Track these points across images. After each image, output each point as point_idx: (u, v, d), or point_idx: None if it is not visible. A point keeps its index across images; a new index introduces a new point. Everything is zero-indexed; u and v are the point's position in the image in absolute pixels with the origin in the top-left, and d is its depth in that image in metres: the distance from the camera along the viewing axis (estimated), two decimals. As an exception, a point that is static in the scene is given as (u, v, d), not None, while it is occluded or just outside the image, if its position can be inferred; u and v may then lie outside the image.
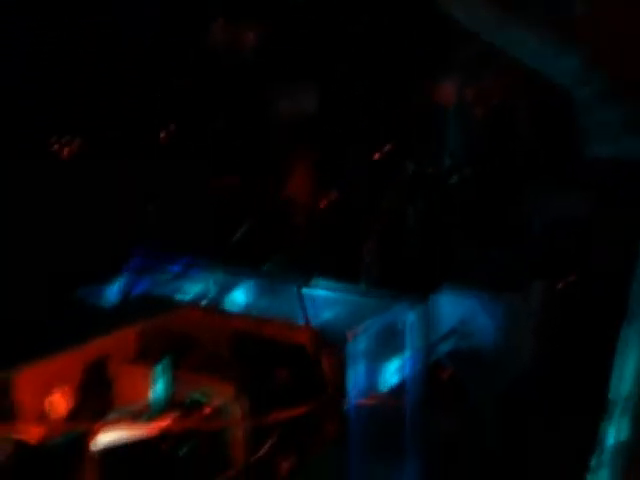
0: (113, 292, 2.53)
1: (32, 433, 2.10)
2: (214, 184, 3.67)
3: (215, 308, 2.30)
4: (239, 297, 2.61)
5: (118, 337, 2.28)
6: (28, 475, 1.57)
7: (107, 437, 1.92)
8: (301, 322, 2.04)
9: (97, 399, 2.21)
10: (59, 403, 2.11)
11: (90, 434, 1.93)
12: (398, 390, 2.23)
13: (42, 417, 2.11)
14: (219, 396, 1.98)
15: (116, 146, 3.58)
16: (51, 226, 3.15)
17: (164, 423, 1.98)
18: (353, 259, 3.45)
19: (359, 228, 3.59)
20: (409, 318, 2.26)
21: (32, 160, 3.40)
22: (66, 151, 3.64)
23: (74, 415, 2.13)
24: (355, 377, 2.04)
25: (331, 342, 2.02)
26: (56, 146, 3.61)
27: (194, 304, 2.32)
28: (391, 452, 2.23)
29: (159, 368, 2.16)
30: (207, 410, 2.00)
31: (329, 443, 1.97)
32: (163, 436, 1.93)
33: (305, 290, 2.40)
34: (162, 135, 3.78)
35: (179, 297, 2.45)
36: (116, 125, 3.61)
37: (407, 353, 2.25)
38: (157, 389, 2.14)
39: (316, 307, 2.41)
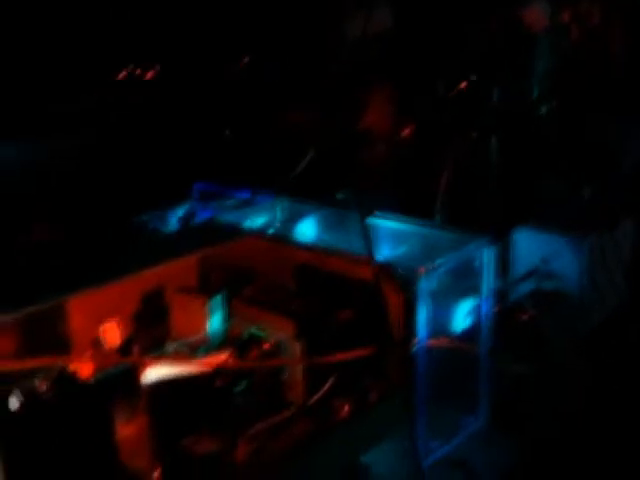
0: (175, 218, 2.43)
1: (83, 363, 2.02)
2: (287, 117, 3.56)
3: (280, 239, 2.16)
4: (305, 229, 2.48)
5: (177, 265, 2.17)
6: (72, 407, 1.45)
7: (160, 371, 1.82)
8: (368, 257, 1.88)
9: (152, 330, 2.12)
10: (112, 333, 2.02)
11: (142, 367, 1.83)
12: (471, 333, 2.07)
13: (94, 347, 2.03)
14: (278, 332, 1.85)
15: (190, 74, 3.51)
16: (116, 148, 3.08)
17: (219, 358, 1.87)
18: (428, 195, 3.31)
19: (436, 163, 3.44)
20: (486, 256, 2.09)
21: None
22: (141, 76, 3.56)
23: (127, 346, 2.04)
24: (425, 317, 1.88)
25: (400, 279, 1.87)
26: (132, 71, 3.54)
27: (258, 234, 2.18)
28: (460, 398, 2.08)
29: (217, 300, 2.05)
30: (265, 346, 1.89)
31: (394, 387, 1.83)
32: (218, 372, 1.82)
33: (374, 222, 2.26)
34: (236, 67, 3.67)
35: (243, 226, 2.32)
36: (192, 54, 3.52)
37: (482, 294, 2.08)
38: (214, 322, 2.03)
39: (385, 241, 2.27)
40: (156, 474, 1.55)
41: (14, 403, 1.52)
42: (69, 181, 3.08)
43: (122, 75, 3.49)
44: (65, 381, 1.55)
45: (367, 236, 1.55)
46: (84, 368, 2.02)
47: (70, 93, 3.19)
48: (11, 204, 2.91)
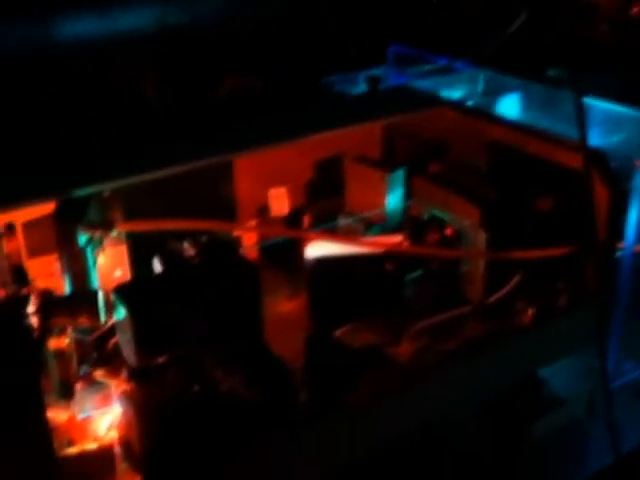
0: (364, 81, 2.20)
1: (247, 230, 1.88)
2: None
3: (477, 112, 1.89)
4: (508, 104, 2.20)
5: (359, 132, 1.96)
6: (216, 275, 1.30)
7: (327, 246, 1.64)
8: (580, 141, 1.59)
9: (324, 202, 1.95)
10: (281, 201, 1.86)
11: (309, 239, 1.66)
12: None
13: (260, 215, 1.88)
14: (463, 218, 1.62)
15: None
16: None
17: (393, 240, 1.67)
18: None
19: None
20: None
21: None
22: None
23: (296, 217, 1.88)
24: (636, 218, 1.58)
25: (613, 170, 1.57)
26: None
27: (453, 104, 1.92)
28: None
29: (399, 174, 1.83)
30: (447, 231, 1.66)
31: (589, 294, 1.56)
32: (390, 255, 1.62)
33: (588, 104, 1.94)
34: None
35: (438, 95, 2.06)
36: None
37: None
38: (393, 198, 1.82)
39: (599, 126, 1.96)
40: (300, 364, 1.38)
41: (157, 265, 1.39)
42: (265, 33, 2.90)
43: None
44: (215, 248, 1.39)
45: (581, 118, 1.27)
46: (248, 236, 1.89)
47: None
48: (206, 57, 2.78)
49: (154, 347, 1.26)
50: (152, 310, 1.24)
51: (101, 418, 1.38)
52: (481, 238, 1.58)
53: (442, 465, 1.57)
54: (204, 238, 1.42)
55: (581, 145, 1.58)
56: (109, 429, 1.35)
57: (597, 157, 1.57)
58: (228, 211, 1.88)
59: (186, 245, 1.41)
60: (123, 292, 1.26)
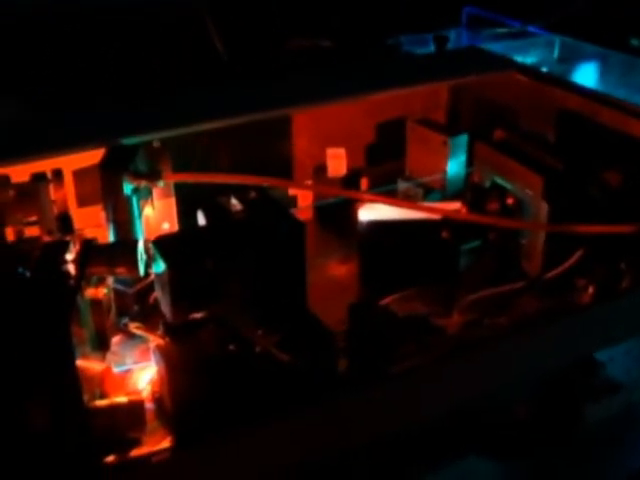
0: (437, 42, 2.12)
1: (302, 187, 1.83)
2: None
3: (548, 78, 1.80)
4: (584, 72, 2.09)
5: (424, 93, 1.89)
6: (262, 231, 1.25)
7: (383, 210, 1.58)
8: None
9: (384, 164, 1.88)
10: (339, 161, 1.80)
11: (364, 201, 1.60)
12: None
13: (317, 174, 1.83)
14: (526, 188, 1.54)
15: None
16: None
17: (451, 206, 1.60)
18: None
19: None
20: None
21: None
22: None
23: (354, 178, 1.82)
24: None
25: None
26: None
27: (523, 68, 1.82)
28: None
29: (462, 139, 1.76)
30: (508, 201, 1.58)
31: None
32: (447, 222, 1.55)
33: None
34: None
35: (511, 59, 1.97)
36: None
37: None
38: (454, 164, 1.75)
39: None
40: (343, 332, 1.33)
41: (201, 218, 1.35)
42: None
43: None
44: (263, 205, 1.34)
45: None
46: (303, 195, 1.84)
47: None
48: (274, 16, 2.73)
49: (190, 303, 1.22)
50: (190, 264, 1.20)
51: (139, 373, 1.35)
52: (543, 210, 1.50)
53: (490, 442, 1.51)
54: (253, 194, 1.37)
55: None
56: (147, 385, 1.32)
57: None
58: (284, 169, 1.83)
59: (233, 200, 1.36)
60: (162, 244, 1.23)
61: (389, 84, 1.72)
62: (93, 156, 1.49)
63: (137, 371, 1.36)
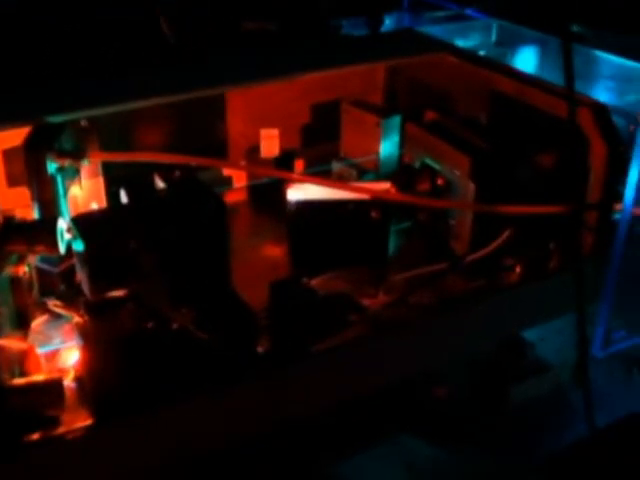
0: (372, 24, 2.12)
1: (233, 166, 1.82)
2: None
3: (480, 60, 1.80)
4: (520, 57, 2.11)
5: (358, 74, 1.89)
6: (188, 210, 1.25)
7: (313, 190, 1.58)
8: (584, 96, 1.51)
9: (318, 145, 1.88)
10: (272, 142, 1.80)
11: (295, 182, 1.60)
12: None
13: (250, 155, 1.82)
14: (454, 168, 1.54)
15: None
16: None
17: (381, 186, 1.60)
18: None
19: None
20: None
21: None
22: None
23: (287, 159, 1.82)
24: (637, 178, 1.49)
25: (614, 126, 1.49)
26: None
27: (455, 50, 1.83)
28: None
29: (396, 120, 1.76)
30: (438, 181, 1.59)
31: (581, 257, 1.48)
32: (377, 202, 1.55)
33: (606, 58, 1.85)
34: None
35: (446, 41, 1.97)
36: None
37: None
38: (387, 145, 1.76)
39: (615, 82, 1.87)
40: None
41: (123, 196, 1.34)
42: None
43: None
44: (187, 184, 1.34)
45: (569, 65, 1.19)
46: (238, 176, 1.84)
47: None
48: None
49: (109, 281, 1.21)
50: (108, 242, 1.19)
51: (66, 353, 1.34)
52: (470, 190, 1.50)
53: (418, 421, 1.52)
54: (177, 173, 1.37)
55: (585, 99, 1.51)
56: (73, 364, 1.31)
57: (598, 111, 1.49)
58: (219, 149, 1.82)
59: (156, 178, 1.35)
60: (80, 222, 1.22)
61: (323, 64, 1.71)
62: (24, 135, 1.47)
63: (64, 351, 1.35)
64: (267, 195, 1.78)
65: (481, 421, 1.55)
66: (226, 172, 1.82)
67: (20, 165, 1.59)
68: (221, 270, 1.30)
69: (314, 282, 1.44)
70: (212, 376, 1.20)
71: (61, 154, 1.40)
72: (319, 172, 1.80)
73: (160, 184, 1.35)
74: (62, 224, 1.29)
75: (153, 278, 1.23)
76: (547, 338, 1.70)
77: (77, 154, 1.42)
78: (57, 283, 1.43)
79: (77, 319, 1.24)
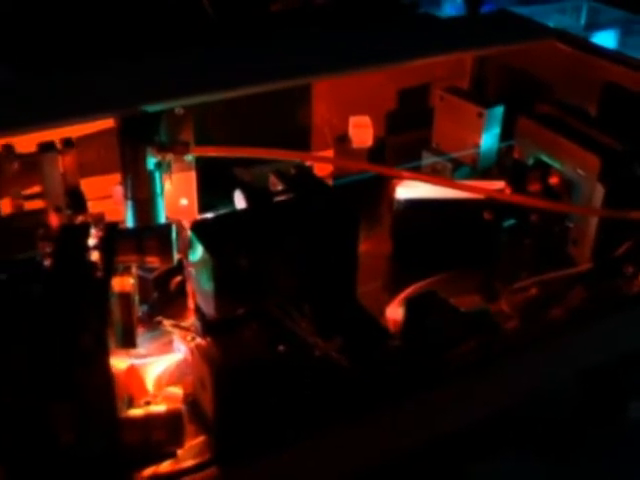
0: (457, 4, 1.97)
1: (327, 161, 1.69)
2: None
3: (592, 48, 1.67)
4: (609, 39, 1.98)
5: (451, 61, 1.75)
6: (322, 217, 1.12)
7: (415, 189, 1.45)
8: None
9: (409, 134, 1.75)
10: (363, 131, 1.66)
11: (398, 179, 1.47)
12: None
13: (339, 144, 1.69)
14: (576, 167, 1.41)
15: None
16: None
17: (494, 185, 1.47)
18: None
19: None
20: None
21: None
22: None
23: (379, 150, 1.68)
24: None
25: None
26: None
27: (564, 36, 1.69)
28: None
29: (499, 111, 1.62)
30: (553, 180, 1.46)
31: None
32: (489, 202, 1.43)
33: None
34: None
35: (540, 23, 1.83)
36: None
37: None
38: (489, 137, 1.62)
39: None
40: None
41: (239, 200, 1.21)
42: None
43: None
44: (305, 181, 1.21)
45: None
46: (320, 166, 1.70)
47: None
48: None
49: (236, 298, 1.08)
50: (235, 253, 1.06)
51: (153, 367, 1.21)
52: (598, 192, 1.38)
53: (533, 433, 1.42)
54: (292, 170, 1.24)
55: None
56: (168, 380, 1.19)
57: None
58: (301, 138, 1.69)
59: (272, 178, 1.22)
60: (203, 231, 1.08)
61: (423, 52, 1.58)
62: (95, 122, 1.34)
63: (152, 365, 1.22)
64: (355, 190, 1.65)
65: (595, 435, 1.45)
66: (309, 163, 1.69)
67: (90, 154, 1.47)
68: (351, 283, 1.17)
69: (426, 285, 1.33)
70: (349, 405, 1.08)
71: (163, 147, 1.26)
72: (412, 166, 1.66)
73: (277, 184, 1.21)
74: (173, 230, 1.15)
75: (283, 294, 1.10)
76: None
77: (180, 147, 1.28)
78: (151, 291, 1.29)
79: (198, 340, 1.10)
